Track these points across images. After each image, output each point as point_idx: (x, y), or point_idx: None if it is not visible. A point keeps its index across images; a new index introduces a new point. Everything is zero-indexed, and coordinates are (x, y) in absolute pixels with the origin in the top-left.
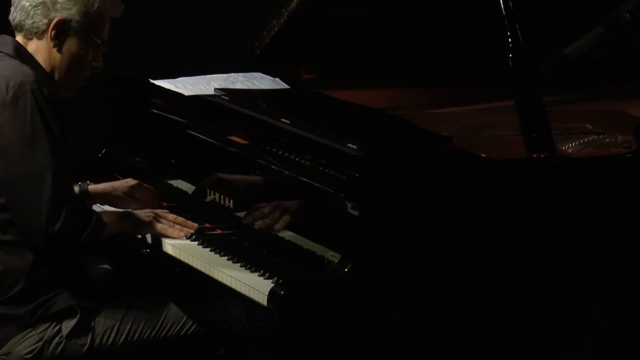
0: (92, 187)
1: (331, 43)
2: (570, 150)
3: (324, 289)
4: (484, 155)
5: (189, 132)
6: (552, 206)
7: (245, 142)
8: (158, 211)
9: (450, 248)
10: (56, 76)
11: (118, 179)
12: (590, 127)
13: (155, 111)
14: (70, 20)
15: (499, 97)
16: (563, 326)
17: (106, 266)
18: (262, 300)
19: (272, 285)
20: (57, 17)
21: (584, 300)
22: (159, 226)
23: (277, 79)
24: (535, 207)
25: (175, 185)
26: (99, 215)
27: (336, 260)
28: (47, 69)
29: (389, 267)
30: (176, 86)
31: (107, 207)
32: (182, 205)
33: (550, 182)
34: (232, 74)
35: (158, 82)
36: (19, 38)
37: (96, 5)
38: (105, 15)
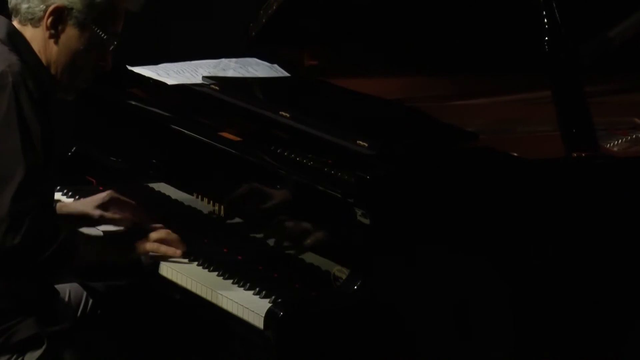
0: (59, 205)
1: (339, 23)
2: (615, 149)
3: (329, 309)
4: (515, 154)
5: (173, 127)
6: (595, 213)
7: (238, 138)
8: (152, 234)
9: (476, 262)
10: (52, 71)
11: (91, 182)
12: (638, 121)
13: (133, 103)
14: (71, 8)
15: (533, 86)
16: (603, 353)
17: (74, 284)
18: (258, 322)
19: (270, 305)
20: (55, 3)
21: (631, 322)
22: (149, 247)
23: (276, 65)
24: (576, 214)
25: (156, 189)
26: (70, 235)
27: (344, 276)
28: (43, 61)
29: (404, 283)
30: (158, 74)
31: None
32: (161, 211)
33: (592, 185)
34: (223, 59)
35: (137, 69)
36: (15, 23)
37: None
38: (118, 8)
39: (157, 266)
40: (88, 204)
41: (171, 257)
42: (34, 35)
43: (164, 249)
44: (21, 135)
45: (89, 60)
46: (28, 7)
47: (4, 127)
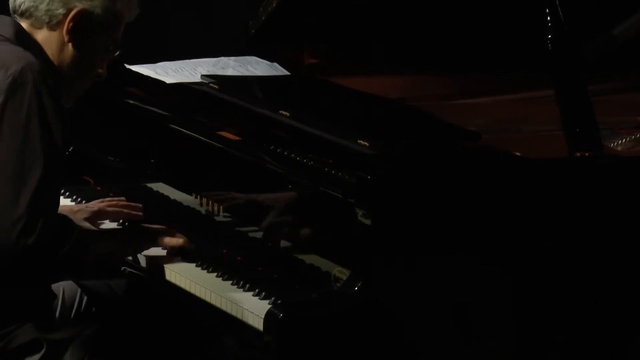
0: None
1: (339, 21)
2: (619, 148)
3: (329, 311)
4: (518, 153)
5: (172, 126)
6: (599, 213)
7: (237, 138)
8: (156, 227)
9: (479, 263)
10: (64, 74)
11: (89, 182)
12: None
13: (131, 102)
14: (92, 12)
15: (536, 85)
16: (607, 354)
17: (69, 282)
18: (258, 324)
19: (269, 306)
20: (78, 6)
21: (635, 323)
22: (160, 242)
23: (275, 64)
24: (579, 215)
25: (155, 189)
26: (81, 231)
27: (345, 278)
28: (55, 64)
29: (406, 285)
30: (156, 72)
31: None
32: (160, 212)
33: (596, 186)
34: (222, 58)
35: (135, 68)
36: (24, 26)
37: (119, 2)
38: (124, 16)
39: (155, 266)
40: (78, 214)
41: (174, 247)
42: (49, 38)
43: (167, 239)
44: (43, 133)
45: (95, 66)
46: (47, 10)
47: (26, 125)
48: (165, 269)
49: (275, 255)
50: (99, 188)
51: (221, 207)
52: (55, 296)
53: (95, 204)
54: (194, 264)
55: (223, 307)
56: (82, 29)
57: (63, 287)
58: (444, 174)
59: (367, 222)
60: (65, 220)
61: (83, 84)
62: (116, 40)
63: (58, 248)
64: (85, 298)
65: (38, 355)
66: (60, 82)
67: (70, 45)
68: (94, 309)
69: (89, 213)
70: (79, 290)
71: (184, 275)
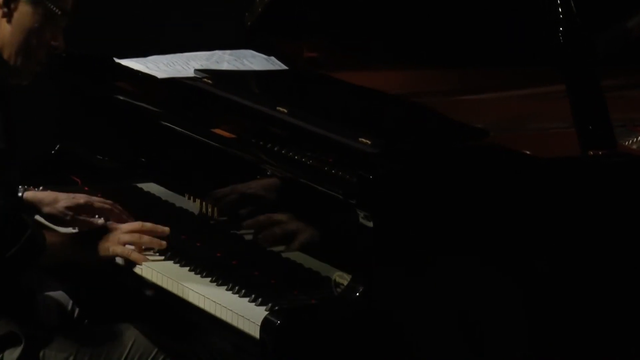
0: (30, 194)
1: (339, 13)
2: (634, 146)
3: (329, 317)
4: (528, 152)
5: (163, 123)
6: (613, 215)
7: (232, 135)
8: (124, 226)
9: (487, 268)
10: (5, 55)
11: (76, 182)
12: None
13: (121, 98)
14: None
15: (546, 80)
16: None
17: (60, 292)
18: (254, 331)
19: (266, 313)
20: None
21: None
22: (119, 249)
23: (273, 57)
24: (593, 217)
25: (145, 189)
26: (36, 231)
27: (345, 283)
28: None
29: (410, 290)
30: (147, 67)
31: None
32: (151, 213)
33: (610, 185)
34: (217, 51)
35: (125, 62)
36: None
37: None
38: None
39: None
40: (61, 202)
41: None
42: None
43: (127, 252)
44: None
45: (42, 40)
46: None
47: None
48: (154, 272)
49: (273, 260)
50: (86, 188)
51: (216, 208)
52: (34, 294)
53: (83, 196)
54: (187, 269)
55: (217, 314)
56: (13, 2)
57: (55, 297)
58: (450, 173)
59: (369, 224)
60: (18, 217)
61: (36, 60)
62: (62, 7)
63: (6, 248)
64: (77, 309)
65: (18, 350)
66: (8, 62)
67: (4, 21)
68: (86, 321)
69: (73, 203)
70: (71, 302)
71: (177, 279)
